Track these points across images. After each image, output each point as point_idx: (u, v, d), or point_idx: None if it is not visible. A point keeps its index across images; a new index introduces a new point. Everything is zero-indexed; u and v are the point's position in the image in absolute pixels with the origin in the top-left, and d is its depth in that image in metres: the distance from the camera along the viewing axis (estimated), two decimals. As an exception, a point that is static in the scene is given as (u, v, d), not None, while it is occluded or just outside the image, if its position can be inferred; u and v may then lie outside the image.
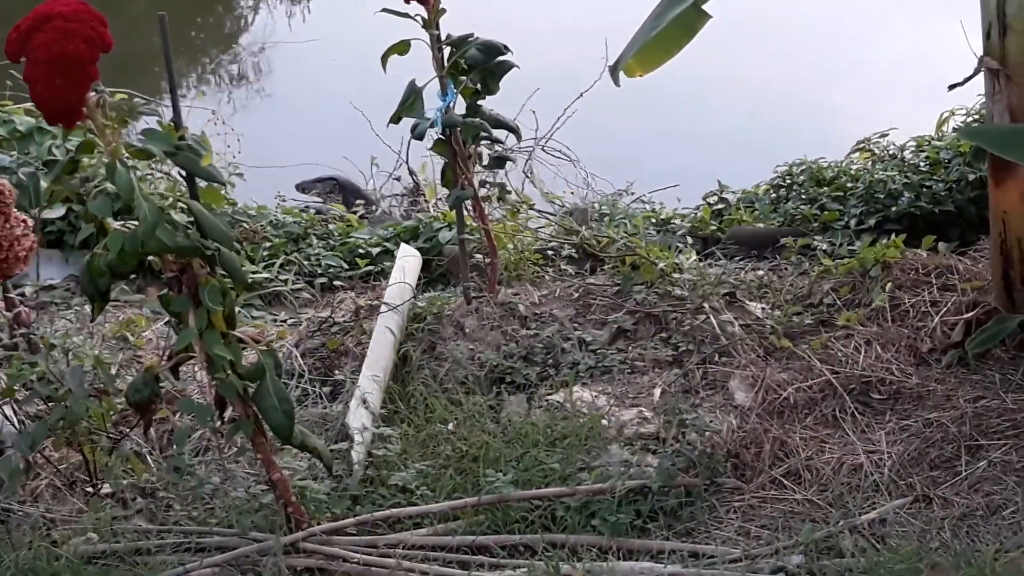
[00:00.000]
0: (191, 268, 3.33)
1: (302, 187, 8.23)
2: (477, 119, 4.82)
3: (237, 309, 5.70)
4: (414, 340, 5.04)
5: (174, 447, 3.71)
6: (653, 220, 6.82)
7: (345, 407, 4.49)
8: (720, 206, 6.94)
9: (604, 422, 4.38)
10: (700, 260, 5.69)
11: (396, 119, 4.86)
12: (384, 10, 4.73)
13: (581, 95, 8.08)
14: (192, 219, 3.29)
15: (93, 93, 3.12)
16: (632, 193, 8.15)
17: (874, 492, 3.85)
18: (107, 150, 3.16)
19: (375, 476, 4.06)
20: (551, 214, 7.83)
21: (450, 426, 4.40)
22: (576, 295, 5.41)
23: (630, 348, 5.01)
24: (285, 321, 5.80)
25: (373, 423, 4.35)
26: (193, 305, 3.33)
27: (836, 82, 11.05)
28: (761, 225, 6.38)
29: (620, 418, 4.45)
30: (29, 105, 7.23)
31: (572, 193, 8.83)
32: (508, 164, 6.19)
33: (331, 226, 6.82)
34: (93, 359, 3.76)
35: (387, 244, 6.47)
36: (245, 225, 6.60)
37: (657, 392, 4.64)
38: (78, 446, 3.86)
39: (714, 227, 6.41)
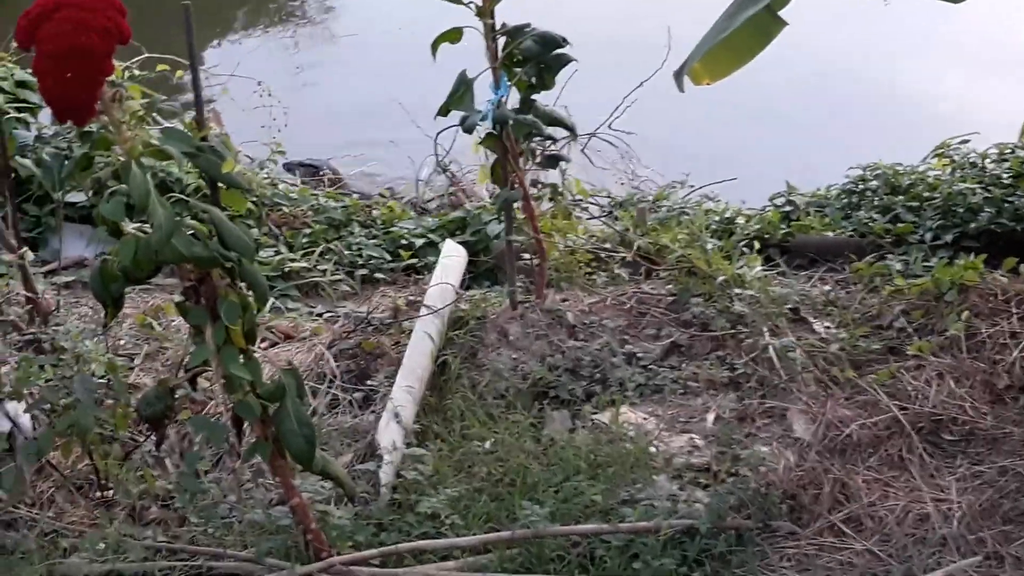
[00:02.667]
0: (210, 278, 3.12)
1: (288, 167, 7.99)
2: (530, 116, 4.58)
3: (272, 300, 5.58)
4: (454, 346, 4.83)
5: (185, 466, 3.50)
6: (715, 218, 6.54)
7: (377, 419, 4.29)
8: (788, 208, 6.64)
9: (652, 449, 4.14)
10: (764, 271, 5.42)
11: (444, 111, 4.63)
12: (440, -5, 4.51)
13: (641, 84, 7.85)
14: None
15: (110, 87, 2.92)
16: (691, 185, 7.93)
17: (941, 547, 3.59)
18: (123, 149, 2.95)
19: (403, 500, 3.84)
20: (604, 208, 7.61)
21: (487, 445, 4.18)
22: (628, 304, 5.17)
23: (684, 365, 4.77)
24: (322, 315, 5.59)
25: (404, 440, 4.14)
26: (211, 318, 3.13)
27: (918, 73, 10.69)
28: (831, 234, 6.09)
29: (669, 445, 4.21)
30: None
31: (622, 184, 8.64)
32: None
33: (375, 213, 6.60)
34: (105, 365, 3.57)
35: (432, 236, 6.27)
36: (284, 209, 6.41)
37: (711, 418, 4.40)
38: (88, 453, 3.68)
39: (783, 231, 6.11)
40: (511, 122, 4.58)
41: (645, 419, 4.40)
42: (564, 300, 5.18)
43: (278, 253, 6.04)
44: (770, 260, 5.84)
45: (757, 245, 5.76)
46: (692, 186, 7.94)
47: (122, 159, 2.95)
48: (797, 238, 6.01)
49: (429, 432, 4.32)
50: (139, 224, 3.08)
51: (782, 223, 6.23)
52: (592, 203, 8.03)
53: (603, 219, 6.24)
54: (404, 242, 6.27)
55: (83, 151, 3.06)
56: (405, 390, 4.36)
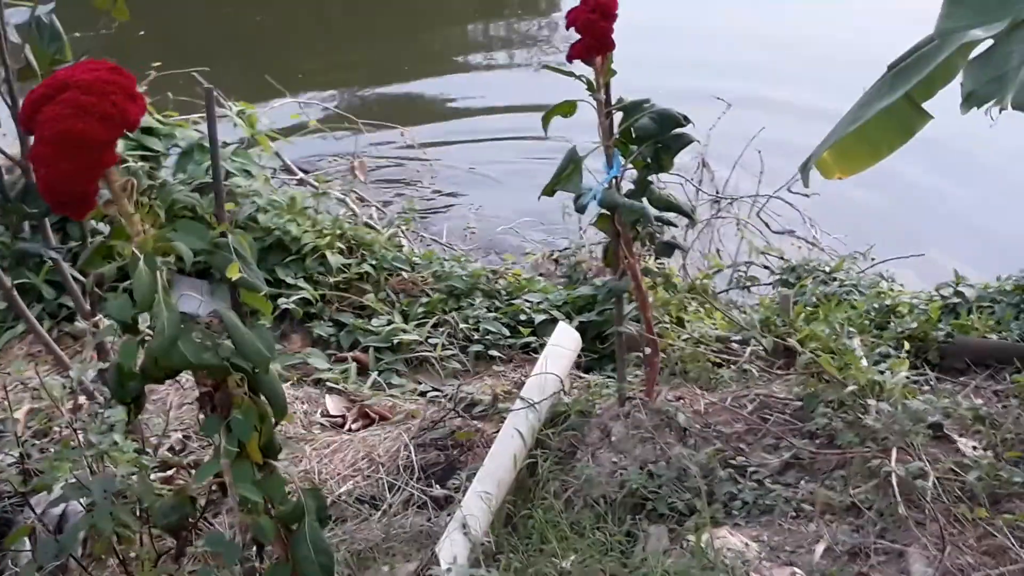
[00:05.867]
0: (226, 386, 2.92)
1: None
2: (639, 202, 4.28)
3: (376, 375, 5.39)
4: (550, 444, 4.55)
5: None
6: (875, 306, 6.10)
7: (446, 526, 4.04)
8: (956, 300, 6.14)
9: (747, 582, 3.80)
10: (911, 378, 4.99)
11: (549, 192, 4.37)
12: (546, 67, 4.27)
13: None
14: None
15: (123, 175, 2.74)
16: (872, 259, 7.56)
17: None
18: (134, 242, 2.77)
19: (453, 629, 3.58)
20: (775, 271, 7.37)
21: (565, 564, 3.89)
22: (750, 407, 4.81)
23: (801, 484, 4.40)
24: (425, 394, 5.37)
25: (470, 555, 3.86)
26: (226, 429, 2.92)
27: None
28: (994, 337, 5.58)
29: (768, 579, 3.86)
30: (197, 117, 7.06)
31: (799, 248, 8.36)
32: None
33: (501, 282, 6.34)
34: (130, 463, 3.40)
35: (556, 312, 5.97)
36: (404, 275, 6.21)
37: (819, 549, 4.02)
38: (117, 555, 3.52)
39: (942, 332, 5.60)
40: (618, 208, 4.29)
41: (747, 545, 4.05)
42: (679, 398, 4.85)
43: (390, 323, 5.83)
44: (929, 362, 5.42)
45: (907, 346, 5.33)
46: (872, 259, 7.56)
47: (131, 254, 2.77)
48: (956, 339, 5.53)
49: (505, 544, 4.04)
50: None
51: (942, 320, 5.75)
52: (765, 266, 7.79)
53: (726, 313, 5.82)
54: (523, 317, 6.00)
55: (101, 241, 2.90)
56: (480, 496, 4.10)
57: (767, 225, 8.65)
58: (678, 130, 4.30)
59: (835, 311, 5.71)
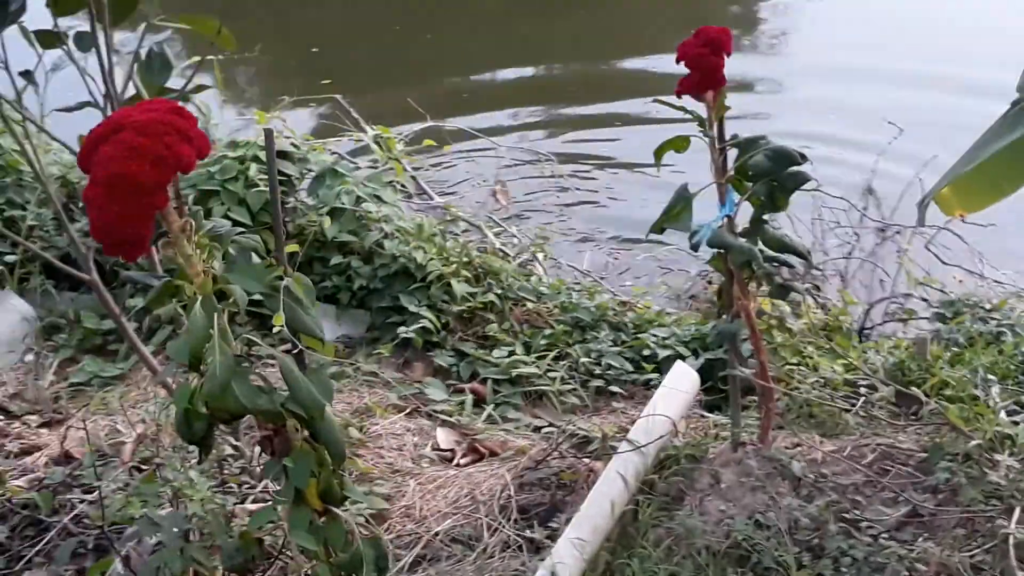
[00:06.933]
0: (285, 431, 2.88)
1: None
2: (748, 243, 4.13)
3: (491, 408, 5.33)
4: (655, 489, 4.42)
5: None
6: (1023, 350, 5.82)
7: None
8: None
9: (846, 651, 3.62)
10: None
11: (658, 229, 4.24)
12: (657, 100, 4.16)
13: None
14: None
15: (183, 215, 2.73)
16: (1033, 293, 7.24)
17: None
18: (194, 284, 2.75)
19: None
20: (932, 304, 7.14)
21: (655, 624, 3.77)
22: (871, 457, 4.61)
23: (919, 541, 4.18)
24: (539, 429, 5.28)
25: (557, 607, 3.76)
26: (285, 474, 2.89)
27: None
28: None
29: (869, 648, 3.67)
30: (334, 141, 7.11)
31: (960, 282, 8.07)
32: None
33: (630, 315, 6.20)
34: (204, 500, 3.38)
35: (681, 348, 5.83)
36: (529, 305, 6.13)
37: (928, 616, 3.83)
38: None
39: (1097, 378, 5.33)
40: (727, 248, 4.15)
41: (852, 608, 3.88)
42: (796, 445, 4.68)
43: (511, 354, 5.76)
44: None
45: (1050, 395, 5.06)
46: (1035, 293, 7.26)
47: (189, 295, 2.75)
48: (1099, 383, 5.24)
49: (596, 595, 3.94)
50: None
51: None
52: (923, 298, 7.56)
53: (846, 356, 5.55)
54: (647, 352, 5.86)
55: (167, 280, 2.89)
56: (572, 542, 3.99)
57: (938, 257, 8.37)
58: (793, 168, 4.15)
59: (981, 354, 5.46)
